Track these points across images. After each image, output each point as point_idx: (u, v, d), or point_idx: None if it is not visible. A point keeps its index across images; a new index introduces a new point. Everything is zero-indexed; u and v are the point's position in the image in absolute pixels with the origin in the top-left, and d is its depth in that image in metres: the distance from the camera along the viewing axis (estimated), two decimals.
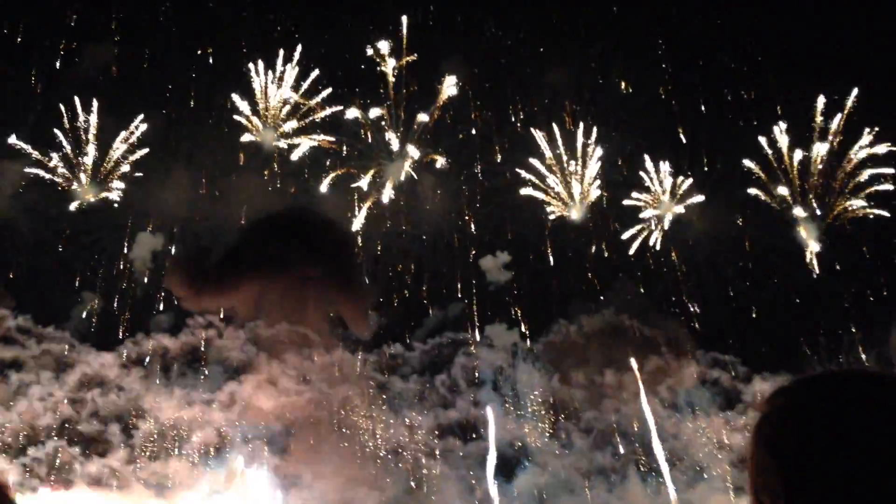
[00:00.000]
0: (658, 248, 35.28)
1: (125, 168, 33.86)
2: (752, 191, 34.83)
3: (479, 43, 34.37)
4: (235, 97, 34.01)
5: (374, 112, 33.77)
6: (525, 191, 34.07)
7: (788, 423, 2.85)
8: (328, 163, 34.13)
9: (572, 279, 34.46)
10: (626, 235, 35.45)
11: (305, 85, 34.05)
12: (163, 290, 33.80)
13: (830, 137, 34.80)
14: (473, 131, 33.80)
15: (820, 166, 34.46)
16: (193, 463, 31.45)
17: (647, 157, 35.08)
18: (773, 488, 2.78)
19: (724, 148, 34.81)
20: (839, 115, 34.77)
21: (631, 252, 35.04)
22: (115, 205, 33.59)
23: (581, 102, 34.37)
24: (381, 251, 34.15)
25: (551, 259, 34.52)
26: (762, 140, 34.84)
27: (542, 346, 33.78)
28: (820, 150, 34.72)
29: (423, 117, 33.49)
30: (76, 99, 33.26)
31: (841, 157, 34.62)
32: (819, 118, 34.72)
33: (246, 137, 33.99)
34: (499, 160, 33.92)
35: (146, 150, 33.70)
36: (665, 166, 34.99)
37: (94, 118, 33.49)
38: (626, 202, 35.29)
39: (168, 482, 30.92)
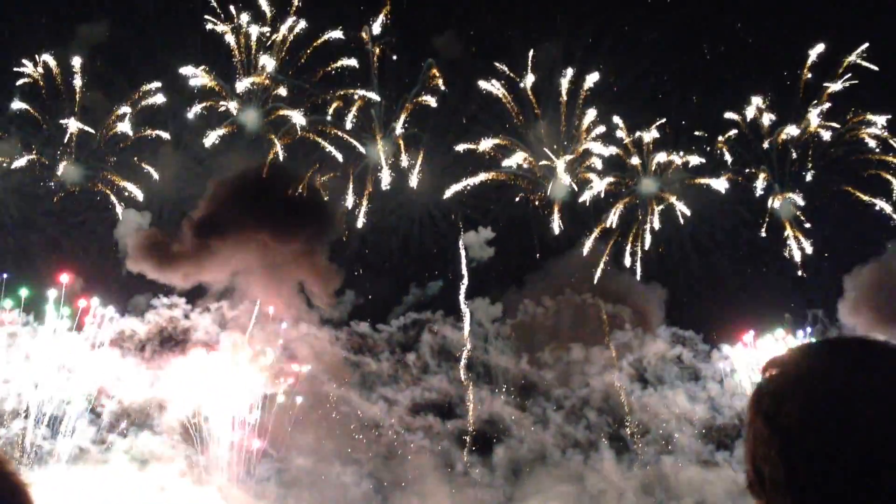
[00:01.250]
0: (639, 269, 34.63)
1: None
2: (723, 184, 34.11)
3: (467, 20, 34.02)
4: (197, 73, 33.26)
5: (361, 94, 33.50)
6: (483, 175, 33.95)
7: (787, 393, 2.82)
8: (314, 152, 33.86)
9: (549, 256, 34.56)
10: (586, 249, 34.42)
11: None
12: (126, 267, 33.18)
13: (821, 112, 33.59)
14: (463, 118, 33.59)
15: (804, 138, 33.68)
16: (171, 438, 31.47)
17: (617, 118, 33.97)
18: (772, 459, 2.76)
19: (703, 124, 34.17)
20: (834, 82, 33.43)
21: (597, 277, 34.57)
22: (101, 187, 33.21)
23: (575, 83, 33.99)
24: (364, 229, 34.12)
25: (533, 237, 34.47)
26: (737, 116, 33.89)
27: (516, 323, 34.14)
28: (809, 123, 33.78)
29: (407, 96, 33.46)
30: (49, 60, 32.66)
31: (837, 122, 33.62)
32: (810, 67, 33.27)
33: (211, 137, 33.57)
34: (485, 137, 33.68)
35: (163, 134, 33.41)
36: (650, 135, 34.12)
37: (78, 82, 33.11)
38: (581, 200, 34.67)
39: (143, 457, 30.96)
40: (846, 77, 33.09)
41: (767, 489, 2.80)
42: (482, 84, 33.29)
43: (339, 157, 33.59)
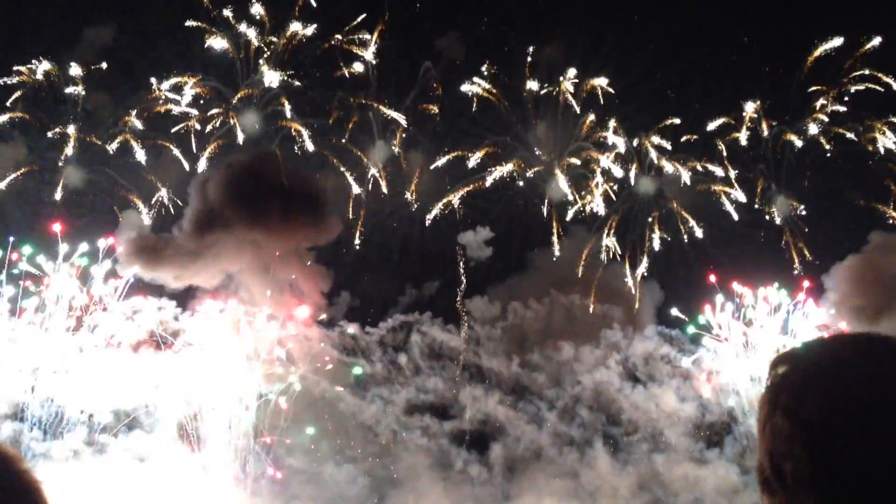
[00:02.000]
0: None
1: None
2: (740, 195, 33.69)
3: (468, 24, 34.03)
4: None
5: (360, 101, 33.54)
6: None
7: (808, 387, 2.78)
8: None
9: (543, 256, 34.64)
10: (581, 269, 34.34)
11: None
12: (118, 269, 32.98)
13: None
14: (461, 123, 33.73)
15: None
16: (166, 438, 31.56)
17: (614, 123, 33.76)
18: (795, 454, 2.72)
19: (702, 128, 33.87)
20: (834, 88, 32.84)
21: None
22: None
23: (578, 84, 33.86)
24: (362, 232, 34.23)
25: (531, 239, 34.57)
26: (733, 121, 33.49)
27: (513, 323, 34.36)
28: (808, 128, 33.29)
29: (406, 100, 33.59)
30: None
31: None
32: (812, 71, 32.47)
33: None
34: (483, 141, 33.78)
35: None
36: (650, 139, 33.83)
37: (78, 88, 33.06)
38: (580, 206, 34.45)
39: (138, 458, 31.03)
40: (851, 76, 32.73)
41: (789, 486, 2.77)
42: (475, 87, 33.49)
43: (338, 163, 33.77)
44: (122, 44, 33.10)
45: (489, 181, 33.72)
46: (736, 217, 33.71)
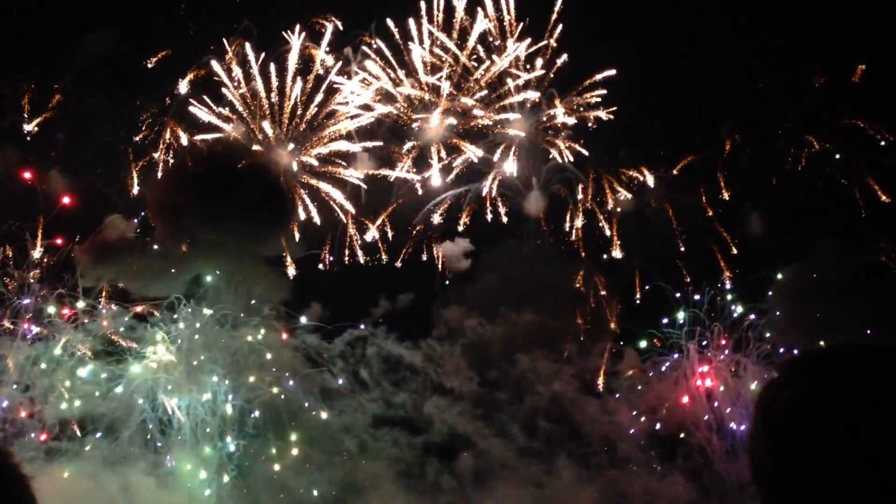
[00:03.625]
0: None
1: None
2: None
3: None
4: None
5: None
6: None
7: (780, 391, 2.92)
8: None
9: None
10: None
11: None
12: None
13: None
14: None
15: None
16: (130, 442, 31.48)
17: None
18: (765, 456, 2.88)
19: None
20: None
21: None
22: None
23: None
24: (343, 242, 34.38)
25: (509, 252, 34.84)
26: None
27: (482, 338, 34.69)
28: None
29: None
30: None
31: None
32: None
33: None
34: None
35: None
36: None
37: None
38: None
39: (105, 462, 30.91)
40: (836, 109, 32.41)
41: (764, 485, 2.93)
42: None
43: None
44: (112, 60, 32.78)
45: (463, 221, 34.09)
46: (724, 267, 34.11)
